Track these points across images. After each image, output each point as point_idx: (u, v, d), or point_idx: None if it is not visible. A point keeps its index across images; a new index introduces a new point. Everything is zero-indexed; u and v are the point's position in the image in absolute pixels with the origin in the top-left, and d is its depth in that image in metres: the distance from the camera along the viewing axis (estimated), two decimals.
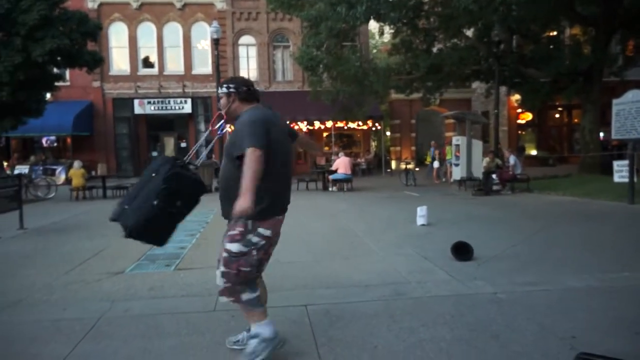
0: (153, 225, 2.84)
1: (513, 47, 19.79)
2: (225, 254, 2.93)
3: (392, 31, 20.71)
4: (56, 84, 15.73)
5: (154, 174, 2.88)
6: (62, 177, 21.21)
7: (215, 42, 17.95)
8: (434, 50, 20.13)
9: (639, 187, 10.58)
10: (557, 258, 5.88)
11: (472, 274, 5.15)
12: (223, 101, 3.14)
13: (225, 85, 3.12)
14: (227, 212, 2.91)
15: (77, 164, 16.35)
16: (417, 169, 21.00)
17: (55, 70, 15.17)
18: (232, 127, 3.11)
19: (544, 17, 16.45)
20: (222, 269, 2.95)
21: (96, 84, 25.53)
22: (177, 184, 2.85)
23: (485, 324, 3.71)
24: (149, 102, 25.97)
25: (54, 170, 21.86)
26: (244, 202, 2.60)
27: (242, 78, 3.23)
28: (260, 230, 2.92)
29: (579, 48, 18.34)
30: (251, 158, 2.68)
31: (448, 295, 4.46)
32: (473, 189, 14.73)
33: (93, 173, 20.46)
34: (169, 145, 27.47)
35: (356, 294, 4.59)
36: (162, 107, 26.15)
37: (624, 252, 6.10)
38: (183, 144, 27.42)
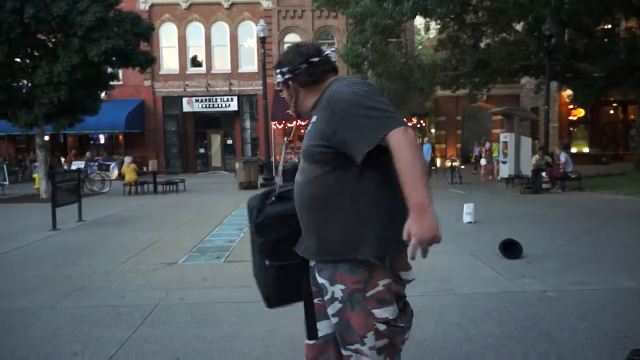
0: (283, 287, 2.05)
1: (565, 41, 19.13)
2: (380, 326, 1.76)
3: (438, 27, 20.41)
4: (110, 83, 16.37)
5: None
6: (115, 172, 22.11)
7: (262, 41, 18.21)
8: (482, 45, 19.73)
9: None
10: (609, 258, 5.71)
11: (521, 272, 5.09)
12: (285, 94, 2.04)
13: (278, 72, 1.99)
14: (321, 249, 1.81)
15: (127, 159, 17.04)
16: (462, 166, 20.69)
17: (109, 70, 15.80)
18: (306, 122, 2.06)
19: (597, 10, 15.84)
20: (380, 344, 1.77)
21: (147, 83, 26.42)
22: (272, 231, 1.99)
23: (535, 322, 3.68)
24: (197, 100, 26.66)
25: (108, 165, 22.80)
26: (429, 219, 1.57)
27: (299, 49, 1.97)
28: (403, 274, 1.86)
29: (635, 41, 17.53)
30: (410, 142, 1.61)
31: (496, 293, 4.44)
32: (521, 187, 14.39)
33: (145, 169, 21.19)
34: (216, 142, 28.13)
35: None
36: (209, 105, 26.80)
37: None
38: (229, 142, 28.02)
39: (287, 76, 1.95)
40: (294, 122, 2.32)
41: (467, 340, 3.37)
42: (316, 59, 1.92)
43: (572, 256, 5.80)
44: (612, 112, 26.26)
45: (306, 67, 1.91)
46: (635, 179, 14.63)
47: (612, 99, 23.64)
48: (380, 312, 1.76)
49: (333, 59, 2.02)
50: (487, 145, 20.56)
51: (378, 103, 1.69)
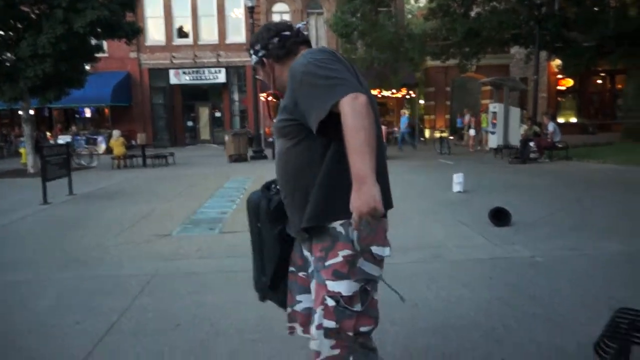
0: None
1: (555, 9, 19.04)
2: (329, 301, 1.71)
3: None
4: (96, 55, 16.07)
5: (258, 224, 1.99)
6: (103, 146, 21.92)
7: (250, 10, 17.90)
8: (472, 14, 19.58)
9: None
10: (596, 225, 5.86)
11: (510, 239, 5.21)
12: (262, 74, 2.00)
13: (252, 52, 1.98)
14: (300, 221, 1.77)
15: (116, 133, 16.89)
16: (451, 137, 20.80)
17: (94, 41, 15.49)
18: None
19: None
20: (327, 324, 1.71)
21: (133, 54, 25.95)
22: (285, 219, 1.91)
23: (524, 286, 3.80)
24: (184, 72, 26.29)
25: (95, 139, 22.58)
26: (368, 191, 1.50)
27: (268, 26, 1.96)
28: (375, 249, 1.74)
29: (625, 10, 17.52)
30: (355, 110, 1.53)
31: (486, 259, 4.55)
32: (510, 157, 14.54)
33: (133, 142, 21.02)
34: (204, 115, 27.89)
35: (396, 256, 4.66)
36: (197, 77, 26.45)
37: None
38: (217, 114, 27.77)
39: (260, 53, 1.93)
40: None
41: (458, 303, 3.48)
42: (287, 33, 1.91)
43: (560, 223, 5.94)
44: (600, 81, 26.41)
45: (278, 40, 1.90)
46: (621, 148, 14.85)
47: (600, 69, 23.76)
48: (333, 285, 1.68)
49: (305, 33, 1.98)
50: (467, 117, 20.72)
51: (329, 71, 1.62)
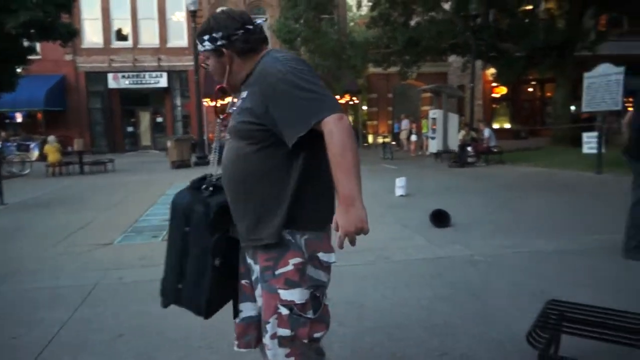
0: (223, 289, 1.89)
1: (490, 21, 19.98)
2: (283, 310, 1.70)
3: (370, 4, 20.66)
4: (28, 57, 15.35)
5: (187, 228, 1.82)
6: (36, 153, 20.81)
7: (192, 14, 17.64)
8: (412, 23, 20.21)
9: (607, 158, 11.02)
10: (529, 224, 6.20)
11: (450, 239, 5.43)
12: (213, 64, 1.80)
13: (206, 38, 1.76)
14: (249, 230, 1.73)
15: (51, 139, 16.13)
16: (393, 142, 21.33)
17: (27, 43, 14.79)
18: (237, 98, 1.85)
19: None
20: (282, 332, 1.71)
21: (68, 57, 24.91)
22: (223, 224, 1.82)
23: (464, 283, 3.98)
24: (124, 76, 25.51)
25: (28, 146, 21.43)
26: (356, 212, 1.55)
27: (231, 15, 1.79)
28: (322, 255, 1.74)
29: (553, 22, 18.64)
30: (342, 130, 1.55)
31: (428, 259, 4.73)
32: (449, 161, 15.08)
33: (70, 149, 20.14)
34: (145, 120, 27.15)
35: (342, 259, 4.78)
36: (137, 82, 25.73)
37: (592, 218, 6.46)
38: (159, 119, 27.11)
39: (220, 42, 1.73)
40: (230, 98, 1.95)
41: (403, 303, 3.60)
42: (251, 27, 1.77)
43: (496, 223, 6.25)
44: (531, 90, 27.84)
45: (243, 33, 1.74)
46: (550, 152, 15.74)
47: (531, 78, 25.07)
48: (285, 294, 1.67)
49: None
50: (405, 122, 21.78)
51: (312, 84, 1.58)
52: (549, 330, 2.35)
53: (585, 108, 11.82)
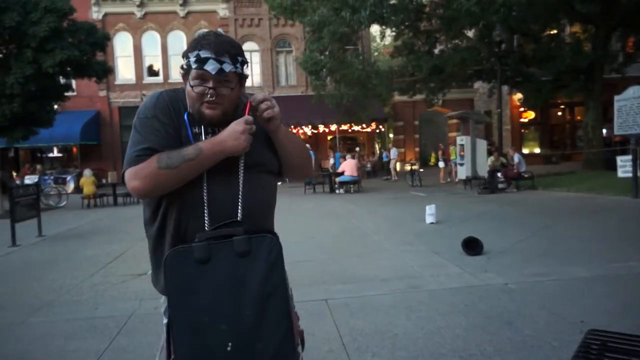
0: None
1: (514, 46, 19.98)
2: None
3: (393, 34, 20.95)
4: (65, 94, 16.00)
5: (241, 257, 1.45)
6: (72, 185, 21.51)
7: None
8: (436, 51, 20.37)
9: None
10: (564, 250, 6.06)
11: (483, 267, 5.35)
12: (228, 91, 1.53)
13: (240, 59, 1.55)
14: None
15: (87, 172, 16.62)
16: (421, 169, 21.24)
17: (63, 80, 15.45)
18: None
19: (544, 17, 16.66)
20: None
21: (102, 93, 25.85)
22: None
23: (498, 312, 3.91)
24: None
25: (64, 179, 22.14)
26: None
27: (236, 43, 1.60)
28: None
29: (579, 46, 18.52)
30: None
31: (461, 287, 4.66)
32: (479, 188, 14.91)
33: (104, 181, 20.70)
34: None
35: (373, 288, 4.80)
36: None
37: (629, 244, 6.27)
38: None
39: (239, 69, 1.55)
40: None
41: (437, 332, 3.55)
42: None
43: (530, 250, 6.13)
44: (560, 113, 27.52)
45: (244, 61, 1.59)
46: (583, 177, 15.42)
47: (559, 101, 24.82)
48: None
49: None
50: (394, 151, 23.08)
51: None
52: None
53: (617, 131, 11.62)
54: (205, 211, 1.50)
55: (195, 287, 1.42)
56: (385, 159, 24.87)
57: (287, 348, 1.47)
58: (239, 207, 1.53)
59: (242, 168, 1.55)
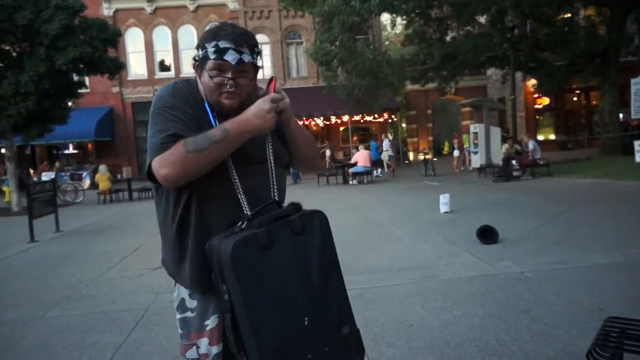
0: None
1: (527, 31, 19.66)
2: None
3: (404, 22, 20.73)
4: (78, 91, 16.12)
5: (298, 235, 1.51)
6: (88, 181, 21.75)
7: None
8: (448, 39, 20.11)
9: None
10: (581, 237, 5.99)
11: (499, 256, 5.30)
12: (245, 82, 1.55)
13: (257, 50, 1.57)
14: None
15: (102, 168, 16.79)
16: (435, 159, 21.07)
17: (77, 77, 15.56)
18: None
19: (557, 0, 16.35)
20: None
21: (115, 89, 26.02)
22: None
23: (515, 301, 3.87)
24: None
25: (80, 175, 22.40)
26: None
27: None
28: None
29: (594, 29, 18.15)
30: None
31: (477, 276, 4.63)
32: (493, 176, 14.77)
33: (118, 177, 20.91)
34: None
35: (388, 278, 4.79)
36: None
37: None
38: None
39: (257, 59, 1.57)
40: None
41: (453, 322, 3.53)
42: None
43: (546, 238, 6.06)
44: (575, 99, 27.06)
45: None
46: (599, 162, 15.19)
47: (574, 86, 24.40)
48: None
49: None
50: (386, 143, 21.42)
51: None
52: (610, 349, 2.25)
53: (634, 115, 11.43)
54: (243, 198, 1.52)
55: (267, 271, 1.43)
56: (374, 149, 20.98)
57: (349, 307, 1.59)
58: (275, 191, 1.57)
59: (270, 154, 1.58)
